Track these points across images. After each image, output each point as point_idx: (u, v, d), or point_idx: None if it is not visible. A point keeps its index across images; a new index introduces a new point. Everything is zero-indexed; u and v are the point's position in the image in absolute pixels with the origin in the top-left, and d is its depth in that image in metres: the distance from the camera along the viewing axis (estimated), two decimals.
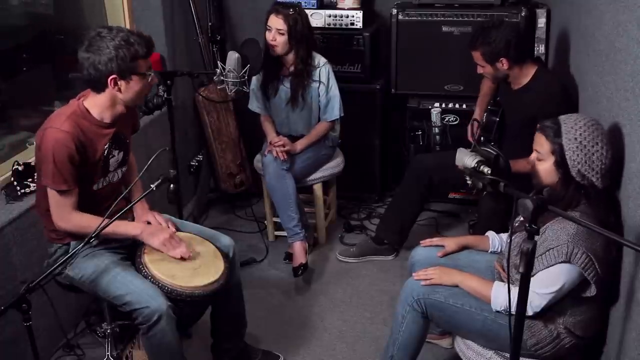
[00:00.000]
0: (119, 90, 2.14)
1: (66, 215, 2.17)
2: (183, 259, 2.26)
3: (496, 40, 2.81)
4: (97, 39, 2.08)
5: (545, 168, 2.05)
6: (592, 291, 1.96)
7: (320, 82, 3.35)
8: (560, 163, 2.00)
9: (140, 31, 2.22)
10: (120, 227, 2.22)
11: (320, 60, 3.37)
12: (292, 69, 3.32)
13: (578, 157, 1.96)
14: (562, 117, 2.05)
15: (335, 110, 3.41)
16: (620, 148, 2.06)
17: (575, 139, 1.96)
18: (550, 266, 1.94)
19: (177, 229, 2.43)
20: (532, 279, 1.71)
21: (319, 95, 3.38)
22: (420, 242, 2.54)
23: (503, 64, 2.85)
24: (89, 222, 2.16)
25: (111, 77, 2.10)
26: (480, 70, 2.97)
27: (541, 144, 2.06)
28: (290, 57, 3.28)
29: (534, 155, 2.11)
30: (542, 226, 2.00)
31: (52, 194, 2.15)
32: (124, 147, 2.35)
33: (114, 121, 2.24)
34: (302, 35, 3.24)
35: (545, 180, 2.07)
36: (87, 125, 2.17)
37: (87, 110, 2.18)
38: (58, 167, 2.09)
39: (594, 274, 1.92)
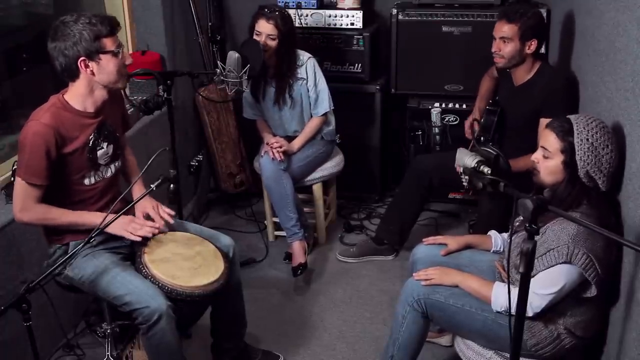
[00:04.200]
0: (92, 73, 2.14)
1: (30, 206, 2.15)
2: (184, 260, 2.26)
3: (536, 18, 2.79)
4: (61, 26, 2.09)
5: (551, 166, 2.04)
6: (592, 292, 1.95)
7: (306, 78, 3.35)
8: (569, 163, 1.99)
9: (104, 13, 2.22)
10: (83, 217, 2.22)
11: (304, 56, 3.37)
12: (276, 69, 3.31)
13: (589, 158, 1.95)
14: (572, 117, 2.03)
15: (325, 103, 3.41)
16: (621, 148, 2.06)
17: (588, 139, 1.95)
18: (551, 267, 1.94)
19: (174, 228, 2.44)
20: (532, 279, 1.71)
21: (308, 91, 3.38)
22: (423, 240, 2.54)
23: (531, 46, 2.80)
24: (50, 213, 2.17)
25: (80, 60, 2.10)
26: (500, 47, 2.83)
27: (550, 141, 2.03)
28: (275, 58, 3.28)
29: (539, 152, 2.08)
30: (543, 226, 2.00)
31: (20, 183, 2.14)
32: (114, 140, 2.33)
33: (98, 110, 2.24)
34: (290, 37, 3.26)
35: (548, 179, 2.06)
36: (68, 116, 2.17)
37: (67, 102, 2.18)
38: (33, 159, 2.09)
39: (595, 275, 1.91)
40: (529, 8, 2.86)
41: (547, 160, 2.05)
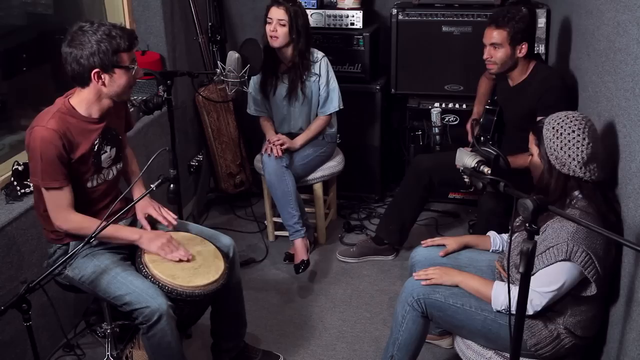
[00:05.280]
0: (103, 84, 2.14)
1: (64, 214, 2.16)
2: (182, 261, 2.26)
3: (524, 21, 2.78)
4: (79, 33, 2.08)
5: (534, 160, 2.11)
6: (592, 290, 1.96)
7: (319, 75, 3.37)
8: (543, 153, 2.05)
9: (124, 25, 2.22)
10: (120, 231, 2.24)
11: (318, 54, 3.40)
12: (290, 63, 3.33)
13: (554, 143, 2.00)
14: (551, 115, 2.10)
15: (334, 103, 3.43)
16: (618, 147, 2.06)
17: (553, 127, 2.02)
18: (551, 264, 1.94)
19: (175, 228, 2.44)
20: (532, 277, 1.72)
21: (319, 89, 3.40)
22: (422, 242, 2.54)
23: (522, 50, 2.80)
24: (89, 223, 2.16)
25: (94, 71, 2.10)
26: (491, 53, 2.83)
27: (530, 139, 2.13)
28: (289, 50, 3.29)
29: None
30: (543, 225, 2.00)
31: (45, 194, 2.15)
32: (117, 143, 2.34)
33: (103, 116, 2.24)
34: (301, 28, 3.26)
35: (537, 173, 2.11)
36: (73, 121, 2.17)
37: (73, 107, 2.18)
38: (46, 165, 2.09)
39: (594, 273, 1.92)
40: (517, 11, 2.81)
41: (532, 157, 2.13)
